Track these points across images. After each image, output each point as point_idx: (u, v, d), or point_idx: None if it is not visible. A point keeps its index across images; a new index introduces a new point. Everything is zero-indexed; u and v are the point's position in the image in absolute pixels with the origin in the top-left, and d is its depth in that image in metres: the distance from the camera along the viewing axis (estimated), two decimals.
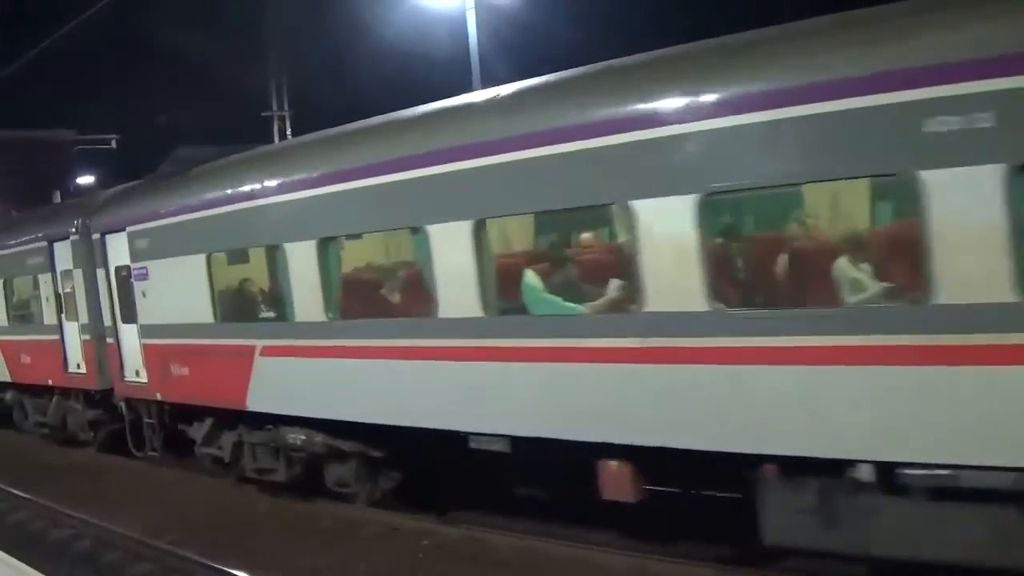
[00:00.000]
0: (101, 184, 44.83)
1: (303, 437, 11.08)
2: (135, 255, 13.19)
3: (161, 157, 44.04)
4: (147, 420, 13.89)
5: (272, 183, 10.75)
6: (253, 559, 9.77)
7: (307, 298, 10.40)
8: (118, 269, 13.82)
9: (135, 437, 14.45)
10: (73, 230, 14.81)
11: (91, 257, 14.41)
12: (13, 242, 16.99)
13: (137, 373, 13.71)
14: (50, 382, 15.99)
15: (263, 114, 33.72)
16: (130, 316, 13.61)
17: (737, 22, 8.38)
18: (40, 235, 15.92)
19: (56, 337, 15.56)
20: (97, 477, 14.63)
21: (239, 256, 11.76)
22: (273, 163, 11.20)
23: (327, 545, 10.28)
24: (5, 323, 17.38)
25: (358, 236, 10.13)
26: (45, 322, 15.88)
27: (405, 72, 31.26)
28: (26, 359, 16.64)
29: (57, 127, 50.91)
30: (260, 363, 11.16)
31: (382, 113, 10.61)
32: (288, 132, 32.94)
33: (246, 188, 11.13)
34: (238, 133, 31.97)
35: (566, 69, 8.98)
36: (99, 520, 11.79)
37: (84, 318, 14.75)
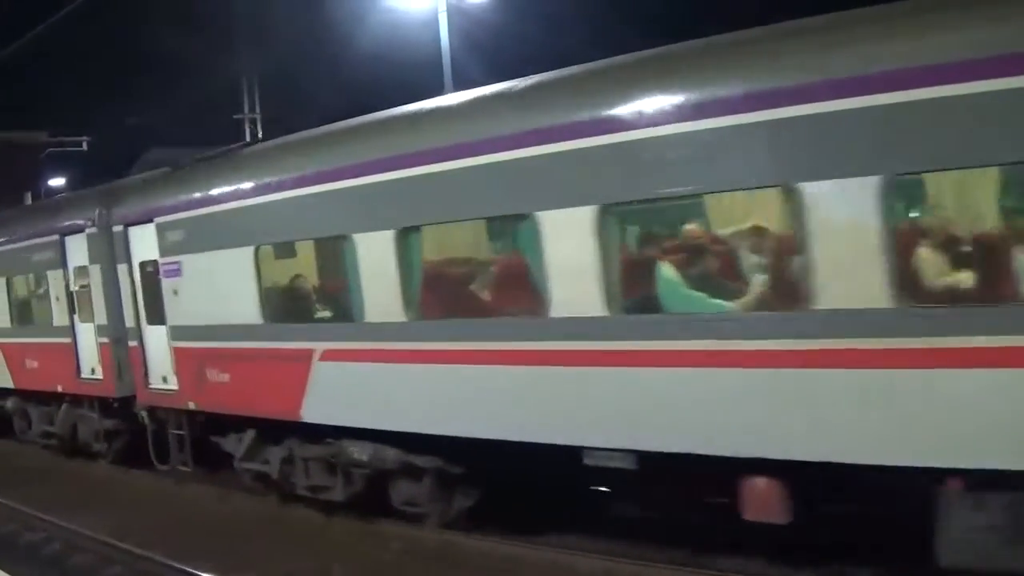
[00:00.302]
0: (72, 186, 44.16)
1: (370, 452, 9.97)
2: (165, 249, 11.99)
3: (133, 159, 41.91)
4: (174, 431, 12.67)
5: (339, 166, 9.63)
6: (224, 562, 9.61)
7: (381, 296, 9.31)
8: (143, 265, 12.60)
9: (157, 449, 13.23)
10: (90, 222, 13.55)
11: (111, 251, 13.16)
12: (17, 236, 15.67)
13: (164, 380, 12.49)
14: (60, 389, 14.68)
15: (235, 116, 33.93)
16: (157, 317, 12.40)
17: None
18: (50, 228, 14.63)
19: (67, 340, 14.26)
20: (65, 482, 14.41)
21: (294, 249, 10.63)
22: (340, 143, 10.06)
23: (300, 547, 10.17)
24: (7, 325, 16.01)
25: (446, 225, 9.02)
26: (54, 323, 14.57)
27: (377, 75, 32.09)
28: (32, 364, 15.31)
29: (28, 129, 50.28)
30: (319, 369, 10.03)
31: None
32: (260, 134, 32.18)
33: (306, 172, 10.01)
34: (210, 135, 31.52)
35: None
36: (69, 524, 11.63)
37: (101, 319, 13.49)
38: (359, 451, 10.10)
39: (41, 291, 15.14)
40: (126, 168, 36.09)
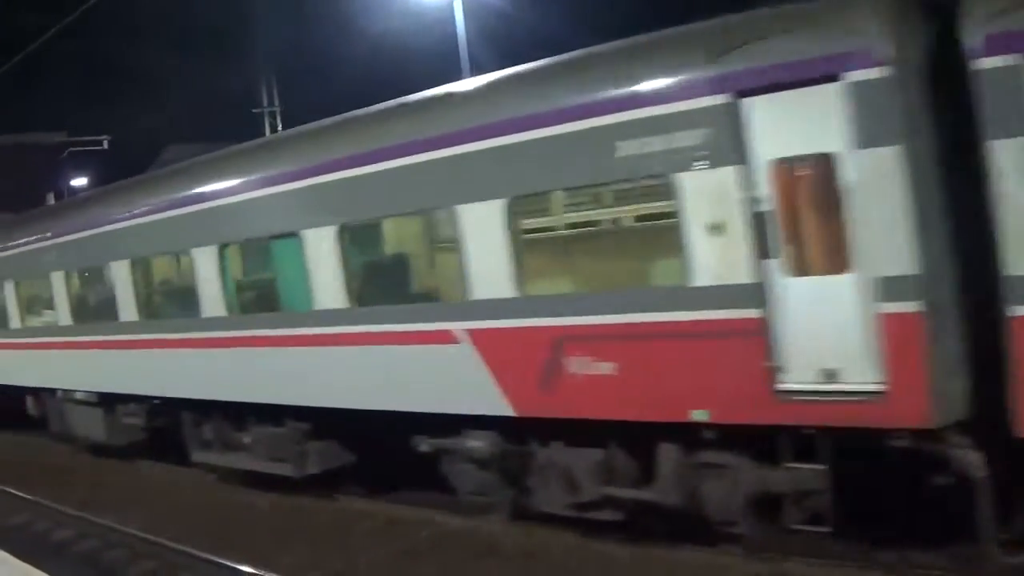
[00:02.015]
0: (95, 185, 42.49)
1: None
2: None
3: (152, 157, 40.76)
4: None
5: None
6: (256, 553, 9.49)
7: None
8: None
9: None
10: (868, 57, 6.33)
11: (967, 113, 6.05)
12: (492, 121, 8.14)
13: None
14: (708, 417, 7.19)
15: (253, 110, 33.49)
16: None
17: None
18: (693, 80, 7.08)
19: (743, 313, 6.93)
20: (98, 480, 14.32)
21: None
22: None
23: (329, 538, 10.03)
24: (492, 290, 8.31)
25: None
26: (698, 281, 7.21)
27: (393, 64, 30.84)
28: (594, 367, 7.75)
29: (47, 130, 48.91)
30: None
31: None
32: (279, 127, 32.02)
33: None
34: (228, 131, 30.99)
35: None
36: (101, 519, 11.52)
37: (896, 263, 6.29)
38: None
39: (620, 219, 7.77)
40: (145, 165, 31.60)
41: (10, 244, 16.36)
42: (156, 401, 13.15)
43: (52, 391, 15.75)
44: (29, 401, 17.06)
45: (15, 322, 16.46)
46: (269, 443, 11.19)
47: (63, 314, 14.70)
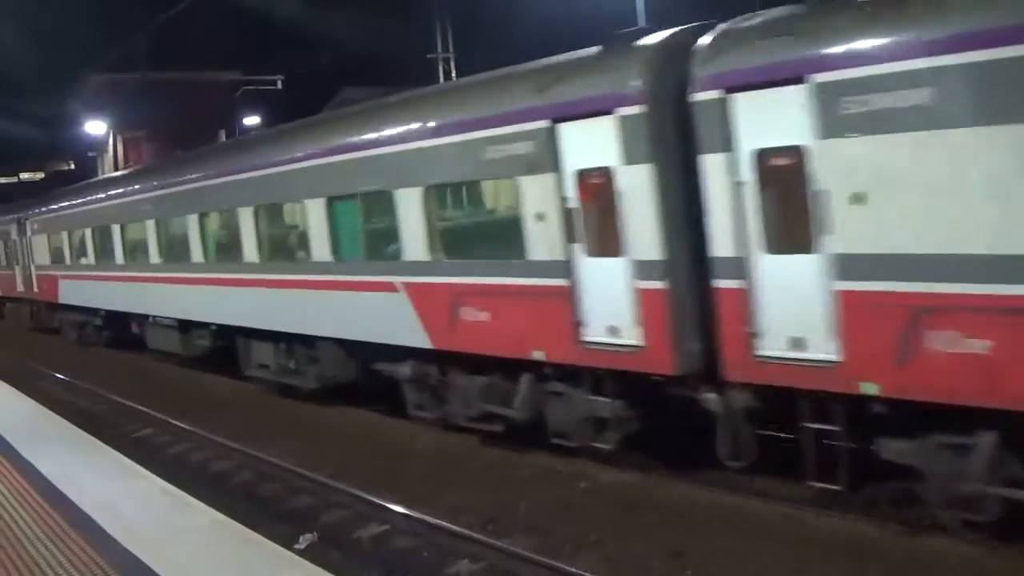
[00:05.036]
0: (268, 124, 42.90)
1: None
2: None
3: (326, 98, 41.31)
4: None
5: None
6: (412, 495, 9.78)
7: None
8: None
9: None
10: None
11: None
12: None
13: None
14: None
15: (428, 56, 33.68)
16: None
17: None
18: None
19: None
20: (257, 413, 14.67)
21: None
22: None
23: (485, 484, 10.24)
24: None
25: None
26: None
27: (567, 13, 29.95)
28: None
29: (222, 68, 50.12)
30: None
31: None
32: (453, 74, 31.89)
33: None
34: (403, 75, 31.62)
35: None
36: (259, 453, 11.93)
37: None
38: None
39: None
40: (319, 107, 33.22)
41: None
42: None
43: None
44: None
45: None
46: None
47: None
